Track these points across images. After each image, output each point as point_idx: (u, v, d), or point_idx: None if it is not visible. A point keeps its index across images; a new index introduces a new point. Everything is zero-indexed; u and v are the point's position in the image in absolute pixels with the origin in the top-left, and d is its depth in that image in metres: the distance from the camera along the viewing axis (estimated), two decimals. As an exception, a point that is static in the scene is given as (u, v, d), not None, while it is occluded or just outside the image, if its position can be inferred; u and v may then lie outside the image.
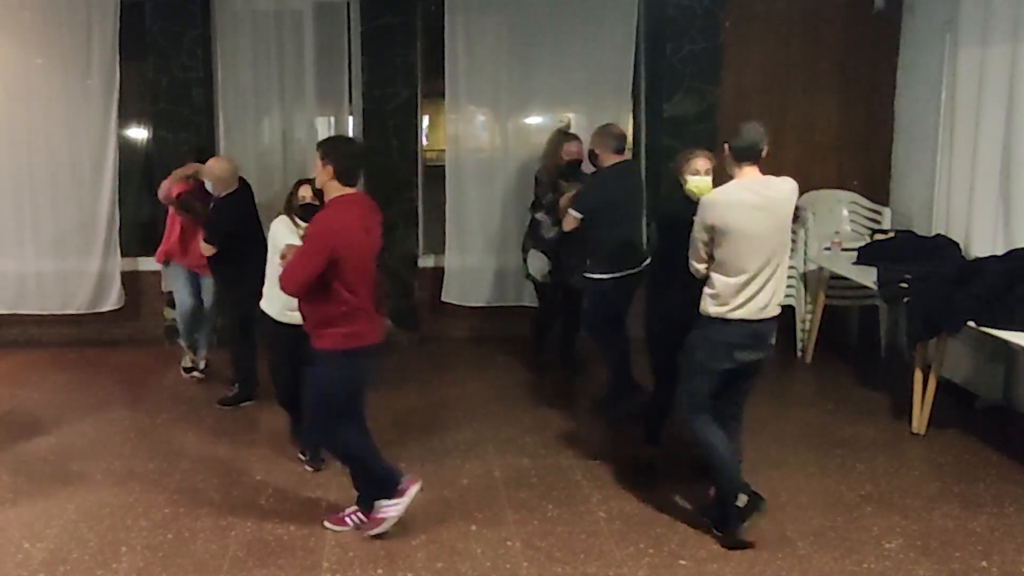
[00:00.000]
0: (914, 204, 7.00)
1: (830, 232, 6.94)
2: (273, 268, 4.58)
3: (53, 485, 4.71)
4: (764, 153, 3.98)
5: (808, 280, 6.89)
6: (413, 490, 4.19)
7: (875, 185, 7.33)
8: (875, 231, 6.75)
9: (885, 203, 7.23)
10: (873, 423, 5.61)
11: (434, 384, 6.40)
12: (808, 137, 7.33)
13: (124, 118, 7.19)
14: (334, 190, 3.97)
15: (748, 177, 3.98)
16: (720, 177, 4.21)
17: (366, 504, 4.23)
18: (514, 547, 4.09)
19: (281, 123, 7.35)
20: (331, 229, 3.88)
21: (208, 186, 5.72)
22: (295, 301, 4.09)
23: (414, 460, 5.04)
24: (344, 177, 3.96)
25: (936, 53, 6.61)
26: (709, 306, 4.04)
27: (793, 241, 6.93)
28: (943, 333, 5.23)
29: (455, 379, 6.42)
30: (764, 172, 4.02)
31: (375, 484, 4.20)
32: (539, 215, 6.32)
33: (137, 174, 7.52)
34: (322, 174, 3.96)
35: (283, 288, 3.99)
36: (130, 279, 7.22)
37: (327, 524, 4.25)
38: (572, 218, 5.57)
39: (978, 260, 5.56)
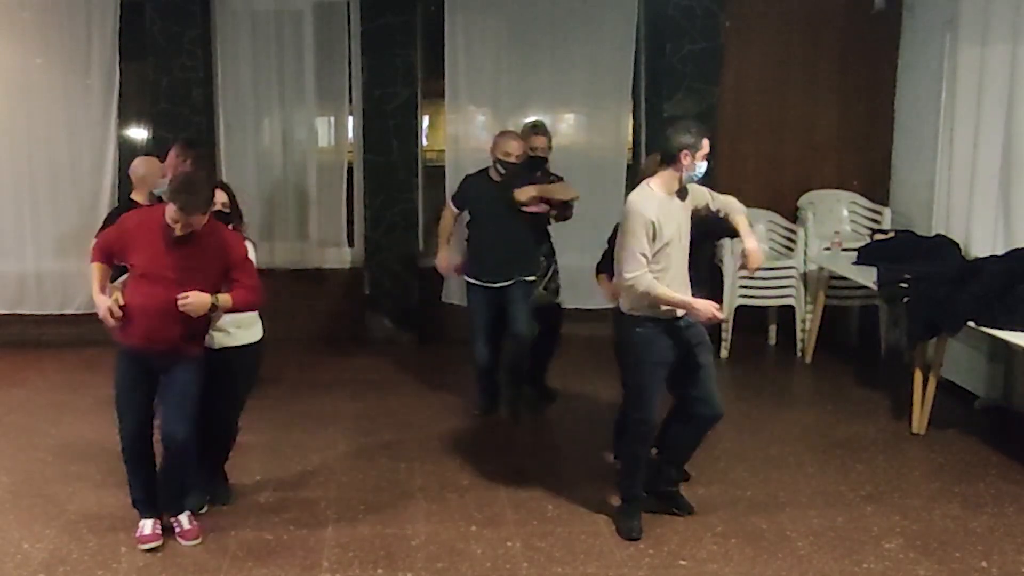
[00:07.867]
0: (914, 204, 6.99)
1: (830, 232, 6.93)
2: None
3: (53, 485, 4.71)
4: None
5: (808, 280, 6.89)
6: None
7: (875, 185, 7.33)
8: (875, 231, 6.74)
9: (885, 203, 7.23)
10: (873, 423, 5.61)
11: (434, 384, 6.40)
12: (808, 137, 7.32)
13: (124, 118, 7.19)
14: None
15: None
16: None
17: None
18: (514, 547, 4.09)
19: (281, 123, 7.35)
20: None
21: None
22: None
23: (414, 460, 5.04)
24: None
25: (936, 53, 6.60)
26: None
27: (793, 241, 6.96)
28: (943, 333, 5.22)
29: (455, 380, 6.41)
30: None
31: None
32: None
33: (137, 174, 7.51)
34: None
35: (257, 305, 4.13)
36: (130, 279, 7.21)
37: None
38: None
39: (978, 260, 5.56)
